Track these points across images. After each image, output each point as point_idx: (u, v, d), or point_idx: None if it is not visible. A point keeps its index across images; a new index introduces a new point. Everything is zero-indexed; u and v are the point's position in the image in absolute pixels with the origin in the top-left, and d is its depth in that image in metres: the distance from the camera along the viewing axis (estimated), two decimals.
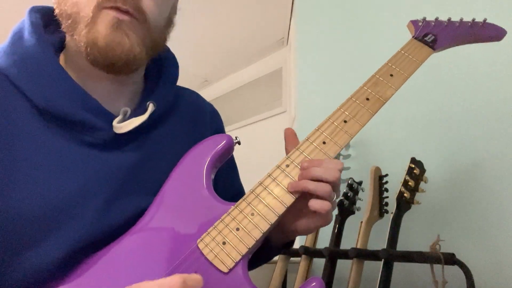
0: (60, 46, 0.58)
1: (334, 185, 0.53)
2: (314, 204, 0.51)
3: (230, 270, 0.49)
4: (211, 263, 0.49)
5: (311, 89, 1.60)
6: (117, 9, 0.50)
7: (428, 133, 1.10)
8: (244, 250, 0.49)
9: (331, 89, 1.47)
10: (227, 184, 0.63)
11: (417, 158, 0.99)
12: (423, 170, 0.98)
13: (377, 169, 1.07)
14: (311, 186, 0.52)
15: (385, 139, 1.22)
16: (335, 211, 1.12)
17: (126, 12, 0.51)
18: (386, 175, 1.07)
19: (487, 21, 0.69)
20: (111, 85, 0.57)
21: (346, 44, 1.46)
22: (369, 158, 1.27)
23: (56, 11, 0.54)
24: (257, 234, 0.50)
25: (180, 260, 0.50)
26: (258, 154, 2.23)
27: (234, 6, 2.13)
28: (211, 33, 2.40)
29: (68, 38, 0.56)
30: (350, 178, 1.16)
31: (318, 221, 0.55)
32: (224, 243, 0.50)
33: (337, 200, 1.12)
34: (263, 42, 2.48)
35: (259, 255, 0.59)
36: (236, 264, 0.49)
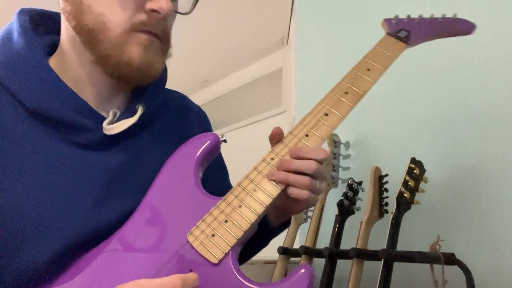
0: (50, 48, 0.59)
1: (315, 175, 0.55)
2: (292, 191, 0.54)
3: (220, 261, 0.50)
4: (201, 255, 0.50)
5: (311, 89, 1.60)
6: (149, 33, 0.53)
7: (428, 133, 1.10)
8: (233, 241, 0.51)
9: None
10: (216, 185, 0.64)
11: (417, 158, 0.99)
12: (423, 170, 0.98)
13: (377, 169, 1.07)
14: (291, 179, 0.54)
15: (385, 139, 1.22)
16: (335, 211, 1.12)
17: (155, 35, 0.54)
18: (386, 175, 1.07)
19: (457, 16, 0.72)
20: (102, 89, 0.58)
21: (346, 44, 1.46)
22: (369, 158, 1.27)
23: (72, 23, 0.54)
24: (246, 225, 0.52)
25: (170, 254, 0.51)
26: (258, 154, 2.23)
27: (234, 6, 2.13)
28: (211, 33, 2.40)
29: (67, 44, 0.56)
30: (350, 178, 1.16)
31: (305, 203, 0.59)
32: (213, 235, 0.51)
33: (338, 200, 1.12)
34: (263, 42, 2.48)
35: (259, 239, 0.60)
36: (226, 255, 0.50)
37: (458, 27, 0.72)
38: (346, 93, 0.61)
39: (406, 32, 0.69)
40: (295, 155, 0.55)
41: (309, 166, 0.54)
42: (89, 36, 0.53)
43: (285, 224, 0.67)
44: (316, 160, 0.54)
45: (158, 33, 0.54)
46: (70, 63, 0.56)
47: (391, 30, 0.71)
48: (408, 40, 0.68)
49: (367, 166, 1.09)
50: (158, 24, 0.53)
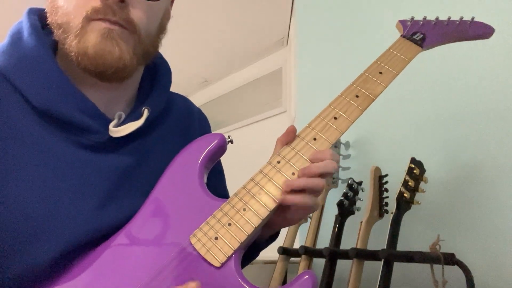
0: (56, 49, 0.59)
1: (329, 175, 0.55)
2: (304, 200, 0.53)
3: (223, 264, 0.49)
4: (203, 258, 0.50)
5: (311, 89, 1.60)
6: (107, 20, 0.51)
7: (428, 133, 1.10)
8: (236, 245, 0.50)
9: (331, 89, 1.47)
10: (212, 188, 0.64)
11: (417, 158, 0.99)
12: (423, 170, 0.98)
13: (377, 169, 1.07)
14: (311, 184, 0.53)
15: (385, 139, 1.22)
16: (335, 211, 1.12)
17: (116, 23, 0.52)
18: (386, 175, 1.07)
19: (475, 19, 0.71)
20: (106, 91, 0.58)
21: (346, 44, 1.46)
22: (369, 158, 1.27)
23: (49, 20, 0.55)
24: (249, 229, 0.51)
25: (172, 256, 0.51)
26: (258, 154, 2.22)
27: (234, 6, 2.12)
28: (211, 33, 2.40)
29: (60, 45, 0.56)
30: (350, 178, 1.16)
31: (307, 211, 0.57)
32: (216, 238, 0.51)
33: (338, 200, 1.12)
34: (263, 42, 2.48)
35: (244, 254, 0.59)
36: (229, 258, 0.50)
37: (476, 31, 0.70)
38: (357, 96, 0.59)
39: (421, 34, 0.67)
40: (317, 159, 0.54)
41: (332, 165, 0.53)
42: (60, 32, 0.53)
43: (273, 238, 0.66)
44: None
45: (120, 21, 0.52)
46: (68, 64, 0.56)
47: (406, 32, 0.69)
48: (423, 43, 0.66)
49: (367, 166, 1.09)
50: (116, 11, 0.51)
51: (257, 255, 0.68)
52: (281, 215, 0.58)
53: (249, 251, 0.60)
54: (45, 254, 0.48)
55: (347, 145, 1.32)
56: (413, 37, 0.67)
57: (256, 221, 0.51)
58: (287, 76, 2.40)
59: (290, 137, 0.57)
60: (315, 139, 0.56)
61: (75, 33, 0.51)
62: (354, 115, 0.58)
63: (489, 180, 0.95)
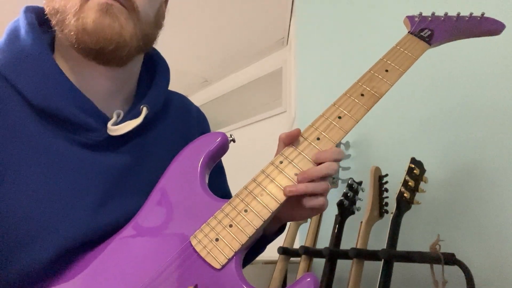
0: (53, 46, 0.58)
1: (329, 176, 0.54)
2: (310, 202, 0.53)
3: (223, 266, 0.49)
4: (204, 260, 0.49)
5: (311, 89, 1.60)
6: None
7: (428, 133, 1.10)
8: (237, 247, 0.50)
9: (331, 89, 1.47)
10: (214, 187, 0.63)
11: (417, 158, 0.99)
12: (423, 170, 0.98)
13: (377, 169, 1.07)
14: (310, 188, 0.52)
15: (385, 139, 1.22)
16: (335, 211, 1.12)
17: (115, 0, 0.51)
18: (386, 175, 1.07)
19: (485, 15, 0.69)
20: (105, 84, 0.57)
21: (346, 44, 1.46)
22: (369, 158, 1.27)
23: (46, 10, 0.55)
24: (250, 231, 0.50)
25: (172, 257, 0.50)
26: (258, 154, 2.22)
27: (234, 6, 2.12)
28: (211, 33, 2.40)
29: (59, 35, 0.56)
30: (350, 178, 1.16)
31: (314, 211, 0.56)
32: (217, 239, 0.50)
33: (338, 200, 1.12)
34: (263, 42, 2.48)
35: (252, 247, 0.59)
36: (229, 260, 0.49)
37: (486, 27, 0.68)
38: (362, 95, 0.58)
39: (429, 31, 0.65)
40: (320, 160, 0.53)
41: (332, 167, 0.53)
42: (58, 16, 0.52)
43: (281, 230, 0.65)
44: (335, 161, 0.53)
45: None
46: (66, 56, 0.56)
47: (413, 28, 0.66)
48: (431, 40, 0.64)
49: (367, 166, 1.09)
50: None
51: (264, 249, 0.67)
52: (290, 214, 0.58)
53: (256, 246, 0.60)
54: (43, 253, 0.48)
55: (347, 145, 1.32)
56: (421, 33, 0.65)
57: (257, 223, 0.51)
58: (287, 76, 2.40)
59: (294, 140, 0.56)
60: (318, 139, 0.55)
61: (74, 12, 0.51)
62: (359, 114, 0.56)
63: (489, 180, 0.95)
